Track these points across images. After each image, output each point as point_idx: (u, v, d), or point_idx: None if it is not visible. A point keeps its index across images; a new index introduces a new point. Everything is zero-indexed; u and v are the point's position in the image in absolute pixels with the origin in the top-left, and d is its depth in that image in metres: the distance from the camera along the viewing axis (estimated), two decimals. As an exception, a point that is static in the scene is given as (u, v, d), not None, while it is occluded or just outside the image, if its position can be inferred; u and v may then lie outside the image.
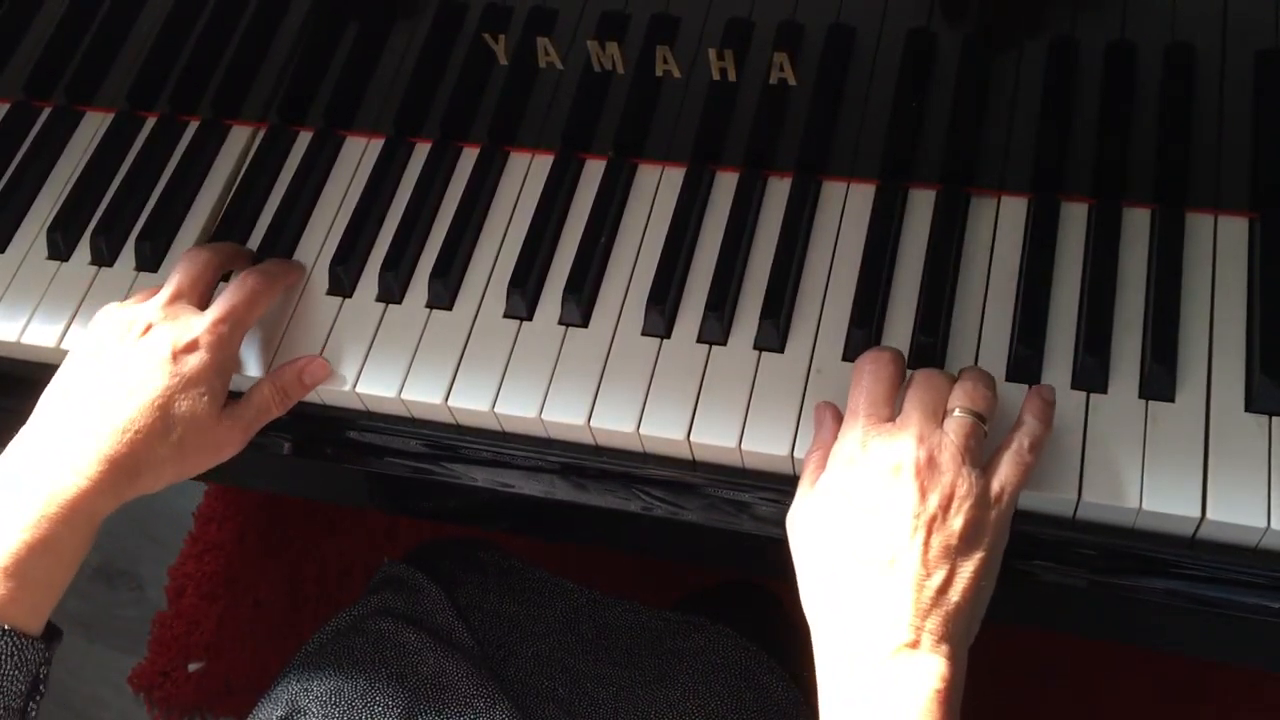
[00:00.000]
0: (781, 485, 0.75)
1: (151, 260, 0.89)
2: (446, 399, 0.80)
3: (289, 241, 0.89)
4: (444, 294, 0.84)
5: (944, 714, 0.62)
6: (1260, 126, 0.74)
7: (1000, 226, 0.81)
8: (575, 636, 0.93)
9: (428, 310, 0.84)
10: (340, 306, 0.85)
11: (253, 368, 0.83)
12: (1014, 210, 0.81)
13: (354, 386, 0.81)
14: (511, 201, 0.88)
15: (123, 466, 0.73)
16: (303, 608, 1.57)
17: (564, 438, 0.80)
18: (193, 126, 0.96)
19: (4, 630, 0.68)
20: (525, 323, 0.82)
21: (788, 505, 0.71)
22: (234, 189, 0.93)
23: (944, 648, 0.63)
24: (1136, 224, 0.79)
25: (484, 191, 0.88)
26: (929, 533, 0.65)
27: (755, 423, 0.76)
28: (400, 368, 0.81)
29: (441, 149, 0.90)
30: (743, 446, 0.75)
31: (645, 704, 0.87)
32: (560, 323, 0.82)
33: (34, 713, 0.71)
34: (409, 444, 0.83)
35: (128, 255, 0.90)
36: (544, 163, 0.89)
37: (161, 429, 0.74)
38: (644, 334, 0.81)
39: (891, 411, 0.70)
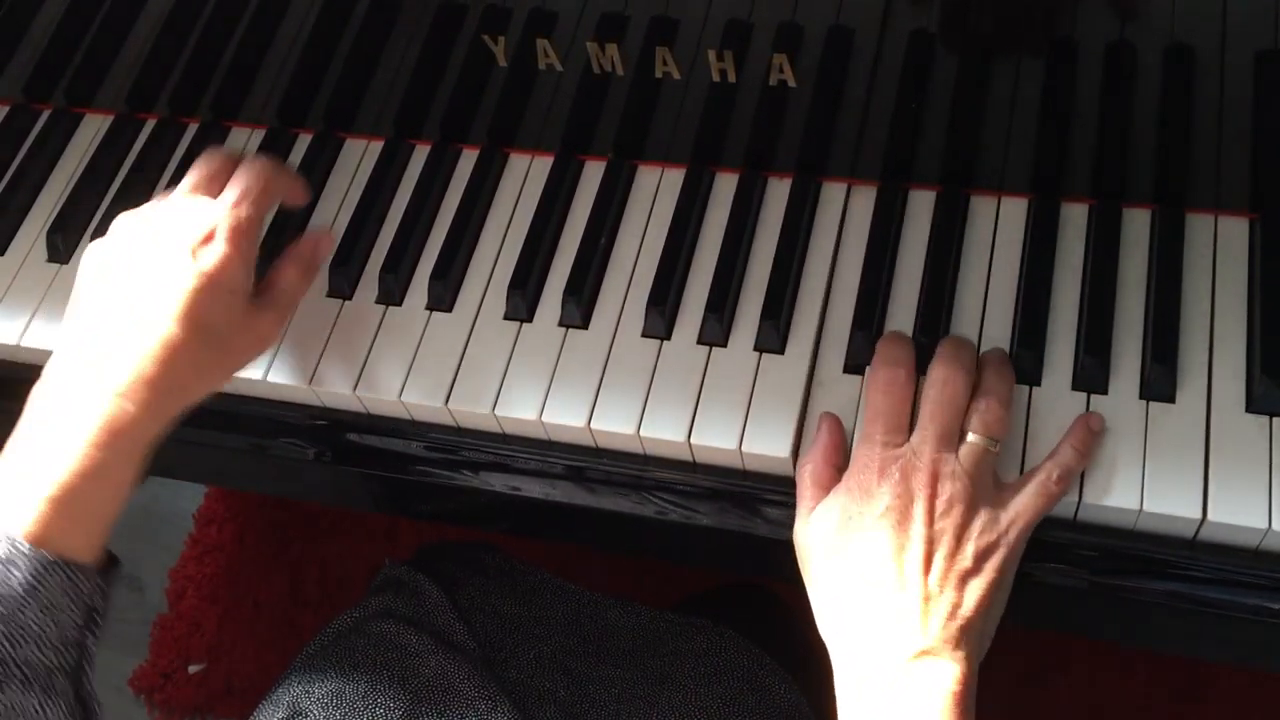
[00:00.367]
0: (789, 489, 0.75)
1: (151, 262, 0.89)
2: (447, 401, 0.80)
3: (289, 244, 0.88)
4: (444, 296, 0.84)
5: (959, 716, 0.62)
6: (1260, 126, 0.74)
7: (1000, 227, 0.81)
8: (577, 638, 0.93)
9: (428, 312, 0.84)
10: (340, 308, 0.85)
11: (253, 369, 0.83)
12: (1014, 211, 0.81)
13: (354, 389, 0.81)
14: (511, 203, 0.88)
15: (161, 388, 0.68)
16: (304, 609, 1.57)
17: (564, 439, 0.80)
18: (192, 129, 0.95)
19: (53, 562, 0.64)
20: (525, 324, 0.82)
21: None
22: (234, 191, 0.93)
23: (959, 653, 0.64)
24: (1136, 225, 0.79)
25: (484, 193, 0.88)
26: (941, 559, 0.66)
27: (756, 424, 0.76)
28: (400, 370, 0.81)
29: (441, 151, 0.90)
30: (743, 448, 0.75)
31: (647, 706, 0.87)
32: (560, 324, 0.82)
33: (93, 644, 0.68)
34: (410, 446, 0.83)
35: (128, 258, 0.90)
36: (544, 164, 0.89)
37: (197, 340, 0.69)
38: (644, 335, 0.80)
39: (905, 433, 0.70)
